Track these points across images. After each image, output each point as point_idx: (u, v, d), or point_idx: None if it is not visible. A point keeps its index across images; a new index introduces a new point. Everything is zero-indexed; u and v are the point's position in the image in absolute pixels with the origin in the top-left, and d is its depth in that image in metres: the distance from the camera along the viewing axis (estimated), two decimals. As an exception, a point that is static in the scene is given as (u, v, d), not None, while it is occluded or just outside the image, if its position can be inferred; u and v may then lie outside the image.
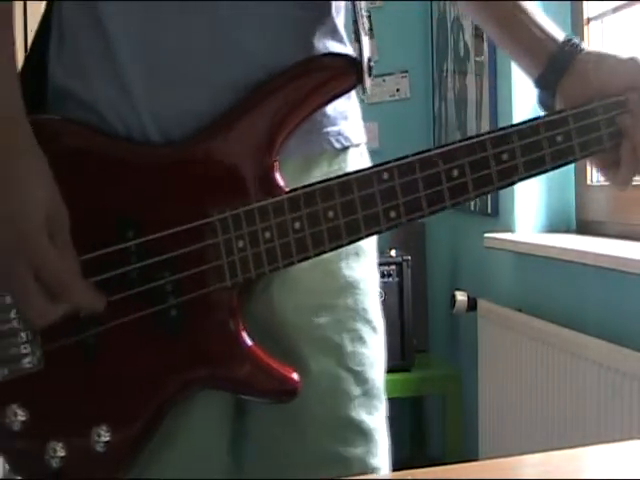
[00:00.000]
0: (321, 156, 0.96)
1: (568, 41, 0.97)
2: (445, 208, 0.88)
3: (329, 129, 0.96)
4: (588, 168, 2.20)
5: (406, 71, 3.07)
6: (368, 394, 0.97)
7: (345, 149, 0.98)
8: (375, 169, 0.88)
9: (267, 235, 0.87)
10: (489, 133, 0.88)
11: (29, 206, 0.84)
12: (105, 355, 0.89)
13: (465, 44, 2.67)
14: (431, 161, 0.87)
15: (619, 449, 0.89)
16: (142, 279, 0.88)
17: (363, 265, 0.99)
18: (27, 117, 0.88)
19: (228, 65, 0.90)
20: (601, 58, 0.96)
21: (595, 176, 2.19)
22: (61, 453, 0.89)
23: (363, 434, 0.96)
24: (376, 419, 0.98)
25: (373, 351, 0.99)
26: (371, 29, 3.16)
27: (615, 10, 2.11)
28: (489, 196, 2.46)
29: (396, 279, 2.62)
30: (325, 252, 0.89)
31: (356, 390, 0.96)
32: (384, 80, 3.00)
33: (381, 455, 0.98)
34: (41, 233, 0.83)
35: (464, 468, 0.86)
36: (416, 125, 3.04)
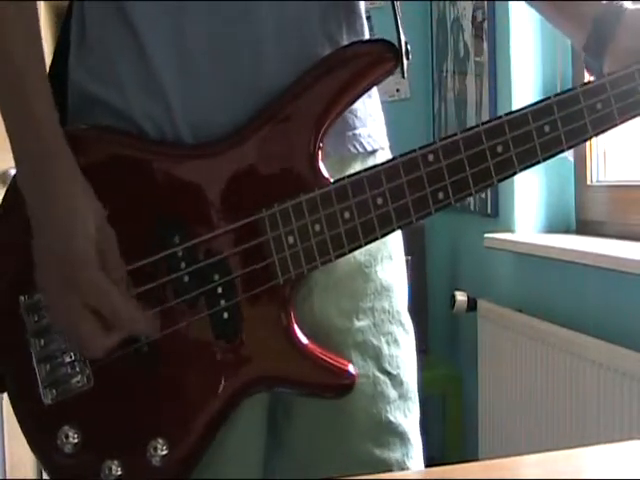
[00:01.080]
0: (353, 158, 0.96)
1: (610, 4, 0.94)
2: (492, 185, 0.88)
3: (359, 131, 0.96)
4: (588, 168, 2.20)
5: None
6: (404, 397, 0.98)
7: (374, 152, 0.98)
8: (420, 152, 0.87)
9: (317, 228, 0.86)
10: (531, 106, 0.88)
11: (81, 242, 0.83)
12: (157, 366, 0.87)
13: (465, 44, 2.67)
14: (475, 138, 0.87)
15: (619, 449, 0.89)
16: (192, 284, 0.86)
17: (395, 268, 1.01)
18: (65, 130, 0.86)
19: (259, 64, 0.89)
20: None
21: (595, 176, 2.19)
22: (117, 472, 0.86)
23: (401, 437, 0.96)
24: (411, 422, 0.98)
25: (407, 353, 0.99)
26: (371, 29, 3.16)
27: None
28: (489, 196, 2.46)
29: (396, 279, 2.61)
30: (377, 239, 0.88)
31: (393, 393, 0.96)
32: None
33: (417, 457, 0.98)
34: (94, 267, 0.82)
35: (464, 468, 0.86)
36: (416, 125, 3.04)
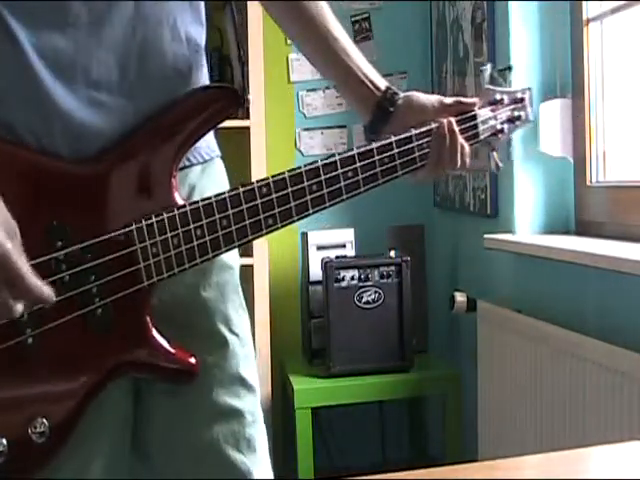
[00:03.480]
0: (192, 166, 1.13)
1: (387, 90, 1.23)
2: (309, 215, 1.11)
3: (199, 143, 1.12)
4: (588, 169, 2.20)
5: (405, 72, 3.07)
6: (248, 356, 1.17)
7: (211, 159, 1.17)
8: (258, 184, 1.08)
9: (175, 242, 1.04)
10: (339, 154, 1.13)
11: None
12: (40, 354, 0.99)
13: (464, 45, 2.67)
14: (299, 177, 1.09)
15: (619, 450, 0.89)
16: (71, 284, 1.00)
17: (234, 251, 1.17)
18: None
19: (136, 90, 1.04)
20: (413, 101, 1.24)
21: (595, 177, 2.19)
22: (1, 448, 0.97)
23: (250, 389, 1.15)
24: (255, 376, 1.18)
25: (247, 320, 1.19)
26: (370, 30, 3.17)
27: (614, 11, 2.11)
28: (488, 197, 2.46)
29: (395, 280, 2.62)
30: (221, 254, 1.08)
31: (242, 351, 1.16)
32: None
33: (258, 404, 1.18)
34: (6, 242, 0.90)
35: (464, 468, 0.86)
36: (416, 126, 3.04)
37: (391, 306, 2.61)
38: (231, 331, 1.14)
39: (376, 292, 2.62)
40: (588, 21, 2.19)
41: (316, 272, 2.72)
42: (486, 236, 2.33)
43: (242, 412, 1.13)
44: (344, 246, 2.81)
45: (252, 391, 1.16)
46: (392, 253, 2.65)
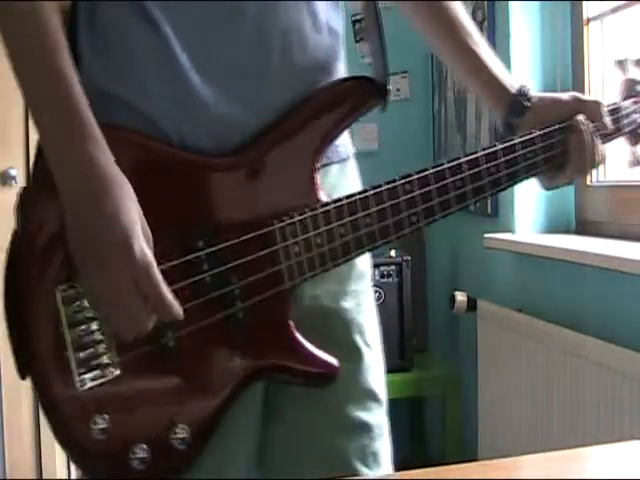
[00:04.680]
0: (331, 165, 1.08)
1: (522, 86, 1.17)
2: (452, 213, 1.06)
3: (337, 142, 1.07)
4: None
5: (406, 72, 3.07)
6: (379, 368, 1.12)
7: (348, 158, 1.12)
8: (400, 181, 1.03)
9: (318, 241, 1.00)
10: (483, 150, 1.08)
11: (131, 224, 0.87)
12: (181, 358, 0.96)
13: (465, 44, 2.67)
14: (441, 174, 1.05)
15: (619, 449, 0.89)
16: (213, 285, 0.96)
17: (367, 256, 1.13)
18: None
19: (272, 85, 1.00)
20: (547, 97, 1.18)
21: (595, 176, 2.19)
22: (143, 454, 0.94)
23: (379, 403, 1.10)
24: (384, 389, 1.12)
25: (376, 326, 1.14)
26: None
27: (614, 10, 2.11)
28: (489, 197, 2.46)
29: (396, 279, 2.62)
30: (363, 253, 1.04)
31: (373, 364, 1.10)
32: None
33: (387, 421, 1.12)
34: (144, 248, 0.87)
35: (464, 468, 0.86)
36: (416, 126, 3.04)
37: (391, 306, 2.61)
38: (365, 343, 1.09)
39: (376, 292, 2.60)
40: (588, 21, 2.19)
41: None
42: (486, 236, 2.32)
43: (371, 426, 1.08)
44: (344, 246, 2.80)
45: (381, 404, 1.11)
46: (392, 253, 2.65)
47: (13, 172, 2.61)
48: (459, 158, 1.06)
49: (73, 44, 0.96)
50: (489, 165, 1.07)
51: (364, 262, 1.12)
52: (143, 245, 0.87)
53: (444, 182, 1.04)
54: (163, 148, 0.96)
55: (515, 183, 1.10)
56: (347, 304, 1.08)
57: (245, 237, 0.97)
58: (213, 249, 0.95)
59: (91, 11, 0.97)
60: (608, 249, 1.83)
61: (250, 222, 0.97)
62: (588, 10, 2.19)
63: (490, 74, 1.17)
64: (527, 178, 1.11)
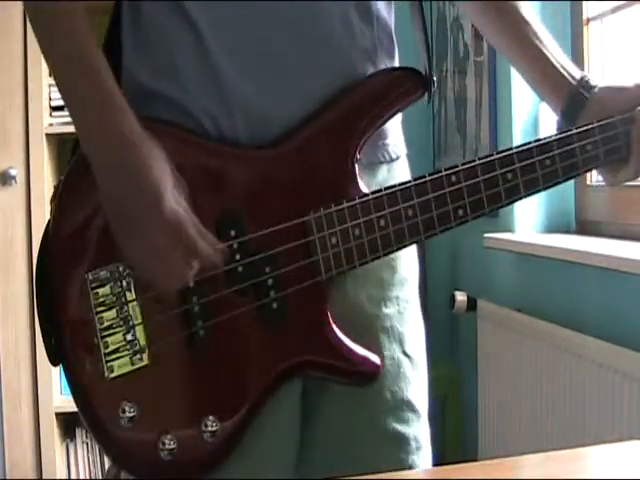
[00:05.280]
0: (381, 164, 1.06)
1: (583, 78, 1.10)
2: (502, 207, 1.02)
3: (387, 140, 1.07)
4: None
5: (406, 71, 3.07)
6: (420, 379, 1.09)
7: (398, 158, 1.10)
8: (445, 173, 0.99)
9: (357, 232, 0.97)
10: (536, 141, 1.03)
11: (158, 182, 0.89)
12: (212, 348, 0.95)
13: (465, 44, 2.67)
14: (491, 166, 1.00)
15: (619, 449, 0.89)
16: (245, 275, 0.95)
17: (413, 262, 1.12)
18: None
19: (312, 75, 0.98)
20: (611, 87, 1.10)
21: (595, 177, 2.19)
22: (172, 445, 0.93)
23: (417, 415, 1.07)
24: (424, 401, 1.10)
25: (421, 338, 1.11)
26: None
27: (614, 10, 2.11)
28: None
29: (396, 279, 2.61)
30: (406, 247, 1.01)
31: (413, 375, 1.07)
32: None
33: (427, 433, 1.09)
34: (174, 203, 0.89)
35: (464, 468, 0.86)
36: (416, 125, 3.03)
37: (391, 306, 2.60)
38: (404, 352, 1.06)
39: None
40: (588, 21, 2.19)
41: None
42: (486, 235, 2.32)
43: (407, 439, 1.05)
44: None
45: (419, 416, 1.07)
46: (392, 253, 2.64)
47: (13, 172, 2.61)
48: (511, 149, 1.01)
49: (116, 43, 1.00)
50: (543, 157, 1.02)
51: (408, 268, 1.09)
52: (172, 200, 0.89)
53: (492, 174, 1.00)
54: (199, 140, 0.96)
55: (572, 177, 1.04)
56: (388, 310, 1.05)
57: (278, 227, 0.95)
58: (244, 238, 0.95)
59: (136, 11, 0.99)
60: (608, 249, 1.83)
61: (286, 213, 0.96)
62: (588, 10, 2.19)
63: (549, 63, 1.11)
64: (585, 172, 1.06)
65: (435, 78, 1.03)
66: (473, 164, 1.00)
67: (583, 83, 1.09)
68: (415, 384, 1.08)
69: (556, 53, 1.11)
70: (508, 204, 1.02)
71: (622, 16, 2.09)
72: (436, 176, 0.99)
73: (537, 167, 1.01)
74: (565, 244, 2.00)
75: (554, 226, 2.28)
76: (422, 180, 0.99)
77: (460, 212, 1.00)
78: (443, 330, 2.94)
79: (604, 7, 2.14)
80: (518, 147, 1.01)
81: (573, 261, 1.89)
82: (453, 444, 2.67)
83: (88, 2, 0.93)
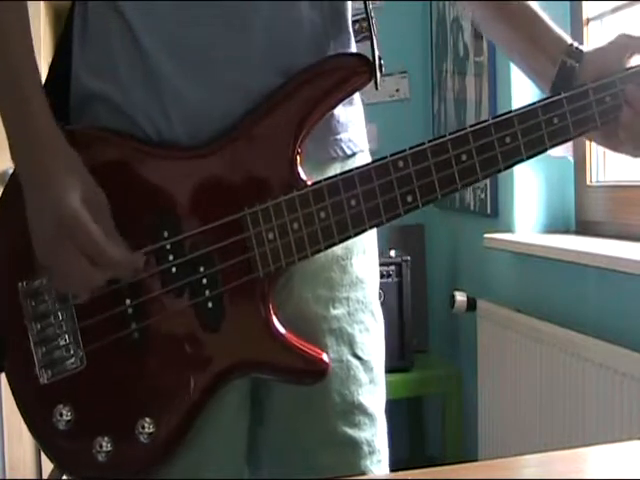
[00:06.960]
0: (333, 161, 1.03)
1: (571, 45, 1.04)
2: (457, 190, 0.95)
3: (341, 136, 1.03)
4: (588, 168, 2.20)
5: (405, 71, 3.07)
6: (373, 381, 1.06)
7: (354, 155, 1.05)
8: (390, 158, 0.94)
9: (295, 226, 0.93)
10: (493, 118, 0.96)
11: (65, 190, 0.89)
12: (145, 351, 0.94)
13: (465, 44, 2.67)
14: (442, 147, 0.94)
15: (619, 449, 0.89)
16: (179, 275, 0.94)
17: (369, 262, 1.07)
18: (60, 127, 0.93)
19: (251, 68, 0.96)
20: (597, 52, 1.02)
21: (595, 176, 2.19)
22: (108, 447, 0.93)
23: (370, 418, 1.05)
24: (379, 404, 1.07)
25: (376, 341, 1.08)
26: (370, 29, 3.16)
27: (614, 10, 2.11)
28: (488, 196, 2.46)
29: (396, 279, 2.61)
30: (350, 237, 0.95)
31: (364, 377, 1.04)
32: (383, 80, 2.99)
33: (383, 437, 1.07)
34: (79, 208, 0.89)
35: (464, 468, 0.86)
36: (415, 126, 3.04)
37: (391, 306, 2.61)
38: (355, 355, 1.03)
39: (376, 292, 2.62)
40: (588, 21, 2.19)
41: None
42: (486, 235, 2.32)
43: (359, 443, 1.03)
44: (344, 246, 2.80)
45: (373, 419, 1.04)
46: (392, 253, 2.64)
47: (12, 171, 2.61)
48: (465, 128, 0.94)
49: (69, 47, 1.00)
50: (524, 126, 0.94)
51: (362, 269, 1.06)
52: (75, 202, 0.89)
53: (445, 156, 0.93)
54: (131, 143, 0.96)
55: (562, 142, 0.96)
56: (336, 311, 1.03)
57: (208, 226, 0.93)
58: (175, 239, 0.93)
59: (84, 9, 0.99)
60: (608, 249, 1.83)
61: (224, 211, 0.94)
62: (588, 10, 2.19)
63: (544, 25, 1.08)
64: (578, 136, 0.97)
65: (383, 62, 0.99)
66: (422, 147, 0.94)
67: (574, 47, 1.04)
68: (368, 387, 1.04)
69: (548, 20, 1.09)
70: (464, 186, 0.95)
71: (622, 16, 2.09)
72: (381, 162, 0.94)
73: (495, 145, 0.94)
74: (565, 244, 2.00)
75: (554, 226, 2.29)
76: (366, 167, 0.94)
77: (409, 198, 0.93)
78: (443, 330, 2.94)
79: (604, 7, 2.14)
80: (473, 125, 0.96)
81: (573, 261, 1.89)
82: (453, 444, 2.67)
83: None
